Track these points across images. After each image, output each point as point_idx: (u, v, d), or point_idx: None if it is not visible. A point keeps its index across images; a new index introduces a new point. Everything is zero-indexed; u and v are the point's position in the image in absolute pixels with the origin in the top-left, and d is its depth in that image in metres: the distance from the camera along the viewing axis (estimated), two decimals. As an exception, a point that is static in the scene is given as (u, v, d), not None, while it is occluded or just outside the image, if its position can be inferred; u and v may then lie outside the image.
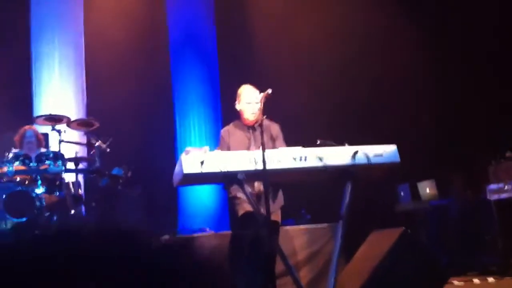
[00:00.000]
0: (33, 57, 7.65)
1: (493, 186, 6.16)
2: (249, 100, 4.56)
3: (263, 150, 4.01)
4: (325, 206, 5.76)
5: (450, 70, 8.14)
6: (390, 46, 8.31)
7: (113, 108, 7.77)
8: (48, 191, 5.62)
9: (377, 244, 4.58)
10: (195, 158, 3.94)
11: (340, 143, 4.31)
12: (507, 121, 6.97)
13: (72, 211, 5.61)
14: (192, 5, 8.82)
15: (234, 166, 4.00)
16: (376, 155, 4.24)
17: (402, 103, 8.05)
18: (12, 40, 7.88)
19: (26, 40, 7.70)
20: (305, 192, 6.48)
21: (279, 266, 4.52)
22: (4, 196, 5.40)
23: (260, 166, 3.97)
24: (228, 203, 4.59)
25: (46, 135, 6.33)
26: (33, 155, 5.68)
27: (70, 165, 5.91)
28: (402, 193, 7.55)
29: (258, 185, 4.38)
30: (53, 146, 6.08)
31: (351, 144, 4.28)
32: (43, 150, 5.90)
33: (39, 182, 5.58)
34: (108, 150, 5.93)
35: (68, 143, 6.09)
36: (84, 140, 6.48)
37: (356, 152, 4.20)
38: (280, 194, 4.58)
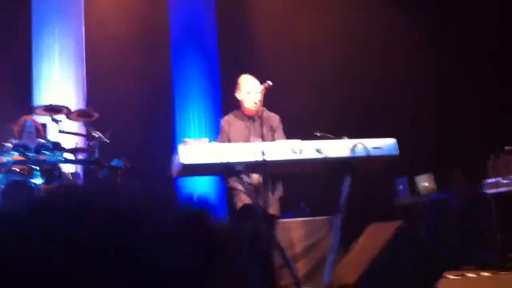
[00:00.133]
0: (33, 49, 7.65)
1: (490, 180, 6.17)
2: (249, 89, 4.56)
3: (263, 141, 4.02)
4: (323, 199, 5.78)
5: (451, 70, 8.14)
6: (391, 46, 8.31)
7: (113, 99, 7.78)
8: (47, 181, 5.61)
9: (375, 237, 4.59)
10: (194, 149, 3.94)
11: (339, 136, 4.32)
12: (507, 121, 6.96)
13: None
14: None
15: (233, 157, 4.00)
16: (375, 148, 4.26)
17: (402, 102, 8.06)
18: (13, 32, 7.88)
19: (26, 32, 7.70)
20: (304, 186, 6.50)
21: (277, 259, 4.52)
22: (3, 187, 5.40)
23: (259, 158, 3.97)
24: (226, 193, 4.58)
25: (45, 126, 6.32)
26: (32, 146, 5.68)
27: (69, 156, 5.91)
28: (400, 187, 7.57)
29: (257, 177, 4.39)
30: (52, 137, 6.08)
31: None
32: (42, 140, 5.90)
33: (38, 172, 5.58)
34: (107, 141, 5.93)
35: (68, 133, 6.09)
36: (83, 131, 6.48)
37: (355, 145, 4.20)
38: (280, 185, 4.58)
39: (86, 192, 0.80)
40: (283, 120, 4.75)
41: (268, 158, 4.00)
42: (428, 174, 7.37)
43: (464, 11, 8.02)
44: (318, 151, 4.12)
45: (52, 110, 6.02)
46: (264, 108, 4.56)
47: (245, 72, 4.76)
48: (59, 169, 5.80)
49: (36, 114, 6.26)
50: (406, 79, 8.28)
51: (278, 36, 8.74)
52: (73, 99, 7.41)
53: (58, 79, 7.51)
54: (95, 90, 7.76)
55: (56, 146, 5.67)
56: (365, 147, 4.22)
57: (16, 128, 6.01)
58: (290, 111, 7.05)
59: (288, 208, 5.86)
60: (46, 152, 5.59)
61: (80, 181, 6.12)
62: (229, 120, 4.66)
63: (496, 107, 7.65)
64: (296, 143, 4.15)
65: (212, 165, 4.00)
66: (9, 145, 5.60)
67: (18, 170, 5.59)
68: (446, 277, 4.94)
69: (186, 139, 4.17)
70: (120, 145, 6.27)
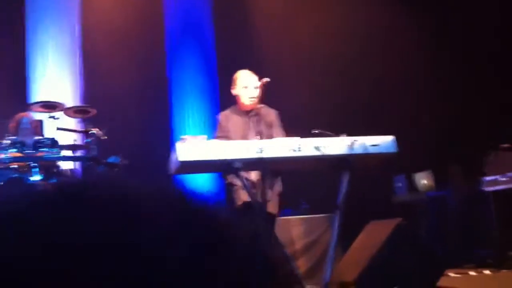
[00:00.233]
0: (28, 45, 7.61)
1: (489, 178, 6.15)
2: (246, 84, 4.53)
3: (261, 139, 4.00)
4: (323, 196, 5.76)
5: (451, 70, 8.13)
6: (391, 46, 8.29)
7: (109, 96, 7.75)
8: (45, 178, 5.59)
9: (375, 234, 4.57)
10: (191, 146, 3.92)
11: (337, 134, 4.30)
12: (507, 121, 6.94)
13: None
14: (190, -7, 8.79)
15: (231, 154, 3.97)
16: (373, 145, 4.24)
17: (402, 101, 8.05)
18: (7, 27, 7.84)
19: (21, 28, 7.66)
20: (303, 183, 6.48)
21: (276, 256, 4.51)
22: (0, 183, 5.37)
23: (257, 155, 3.95)
24: (225, 189, 4.57)
25: (41, 122, 6.29)
26: (29, 142, 5.65)
27: (67, 153, 5.88)
28: (398, 184, 7.55)
29: (256, 173, 4.37)
30: (49, 133, 6.04)
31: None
32: (39, 137, 5.87)
33: (36, 169, 5.55)
34: (105, 137, 5.91)
35: (65, 130, 6.06)
36: (80, 127, 6.45)
37: (353, 142, 4.18)
38: (278, 181, 4.55)
39: (84, 184, 0.77)
40: (282, 118, 4.73)
41: (266, 155, 3.97)
42: (427, 172, 7.36)
43: (464, 11, 8.00)
44: (316, 148, 4.10)
45: (48, 106, 5.99)
46: (263, 105, 4.54)
47: (242, 64, 4.74)
48: (57, 166, 5.77)
49: (32, 111, 6.23)
50: (406, 79, 8.26)
51: (276, 33, 8.71)
52: (70, 95, 7.37)
53: (54, 75, 7.47)
54: (91, 86, 7.72)
55: (54, 143, 5.64)
56: (363, 145, 4.20)
57: (12, 125, 5.98)
58: (289, 109, 7.03)
59: (287, 205, 5.84)
60: (43, 149, 5.56)
61: (79, 178, 6.09)
62: (227, 115, 4.64)
63: (496, 107, 7.63)
64: (294, 141, 4.12)
65: (210, 162, 3.98)
66: (7, 142, 5.57)
67: (15, 167, 5.56)
68: (447, 275, 4.92)
69: (184, 136, 4.14)
70: (117, 141, 6.24)
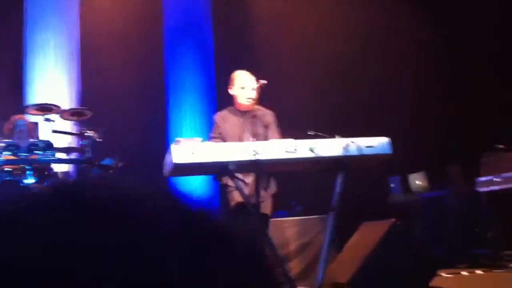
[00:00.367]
0: (27, 46, 7.60)
1: (483, 178, 6.18)
2: (244, 84, 4.54)
3: (255, 140, 4.01)
4: (317, 198, 5.78)
5: (451, 70, 8.15)
6: (391, 46, 8.32)
7: (106, 98, 7.75)
8: (39, 181, 5.58)
9: (368, 235, 4.59)
10: (186, 148, 3.93)
11: (331, 135, 4.32)
12: (507, 121, 6.98)
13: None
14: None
15: (226, 156, 3.99)
16: (368, 147, 4.26)
17: (402, 101, 8.07)
18: (6, 28, 7.82)
19: (20, 28, 7.65)
20: (298, 184, 6.50)
21: (269, 258, 4.52)
22: (-6, 186, 5.37)
23: (251, 157, 3.96)
24: (220, 191, 4.58)
25: (36, 125, 6.29)
26: (23, 145, 5.64)
27: (61, 155, 5.87)
28: (393, 185, 7.58)
29: (250, 175, 4.38)
30: (44, 136, 6.04)
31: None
32: (33, 140, 5.86)
33: (30, 172, 5.54)
34: (100, 140, 5.90)
35: (60, 133, 6.06)
36: (76, 130, 6.45)
37: (348, 144, 4.20)
38: (272, 182, 4.57)
39: (79, 185, 0.79)
40: (279, 119, 4.74)
41: (261, 157, 3.99)
42: (421, 173, 7.39)
43: (464, 11, 8.03)
44: (311, 150, 4.12)
45: (44, 109, 5.98)
46: (260, 107, 4.55)
47: (240, 69, 4.75)
48: (51, 168, 5.76)
49: (28, 113, 6.22)
50: (406, 79, 8.29)
51: (275, 33, 8.72)
52: (66, 97, 7.37)
53: (51, 78, 7.46)
54: (87, 87, 7.72)
55: (48, 146, 5.63)
56: (358, 146, 4.22)
57: (7, 127, 5.97)
58: (288, 109, 7.06)
59: (281, 207, 5.86)
60: (38, 151, 5.55)
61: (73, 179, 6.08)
62: (223, 116, 4.65)
63: (496, 107, 7.66)
64: (289, 142, 4.14)
65: (205, 165, 3.99)
66: (0, 144, 5.56)
67: (9, 169, 5.55)
68: (440, 275, 4.94)
69: (179, 139, 4.15)
70: (113, 143, 6.24)
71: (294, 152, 4.10)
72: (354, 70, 8.26)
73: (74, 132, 6.45)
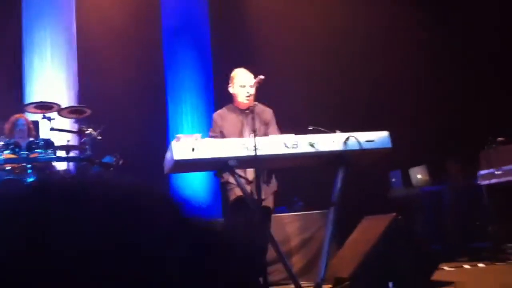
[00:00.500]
0: (24, 45, 7.59)
1: (484, 172, 6.18)
2: (243, 83, 4.54)
3: (255, 136, 4.01)
4: (318, 193, 5.77)
5: (451, 70, 8.15)
6: (391, 46, 8.31)
7: (105, 96, 7.74)
8: (39, 179, 5.57)
9: (369, 230, 4.59)
10: (186, 145, 3.92)
11: (332, 130, 4.31)
12: (507, 120, 6.98)
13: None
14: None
15: (226, 152, 3.98)
16: (367, 141, 4.25)
17: (402, 98, 8.07)
18: (3, 28, 7.81)
19: (17, 27, 7.64)
20: (298, 180, 6.49)
21: (271, 253, 4.52)
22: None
23: (251, 153, 3.96)
24: (220, 188, 4.58)
25: (36, 123, 6.29)
26: (23, 144, 5.64)
27: (61, 153, 5.87)
28: (394, 179, 7.58)
29: (251, 170, 4.38)
30: (44, 134, 6.04)
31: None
32: (33, 138, 5.86)
33: (30, 170, 5.55)
34: (99, 138, 5.90)
35: (59, 131, 6.05)
36: (75, 128, 6.44)
37: (347, 138, 4.20)
38: (273, 180, 4.58)
39: (79, 183, 0.78)
40: (279, 115, 4.74)
41: (261, 152, 3.98)
42: (422, 167, 7.38)
43: (464, 11, 8.02)
44: (311, 145, 4.11)
45: (43, 107, 5.98)
46: (257, 103, 4.55)
47: (238, 67, 4.75)
48: (51, 167, 5.76)
49: (27, 111, 6.22)
50: (406, 79, 8.28)
51: (274, 32, 8.70)
52: (65, 95, 7.36)
53: (49, 76, 7.46)
54: (86, 85, 7.71)
55: (48, 144, 5.63)
56: (358, 141, 4.22)
57: (7, 126, 5.97)
58: (288, 107, 7.07)
59: (282, 202, 5.86)
60: (37, 150, 5.55)
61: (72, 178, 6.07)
62: (221, 114, 4.65)
63: (495, 105, 7.65)
64: (289, 138, 4.14)
65: (205, 161, 3.98)
66: (1, 143, 5.56)
67: (9, 168, 5.56)
68: (441, 269, 4.95)
69: (179, 135, 4.15)
70: (113, 141, 6.24)
71: (295, 148, 4.09)
72: (354, 70, 8.27)
73: (73, 130, 6.45)
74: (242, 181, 4.26)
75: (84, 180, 0.83)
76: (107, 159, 5.80)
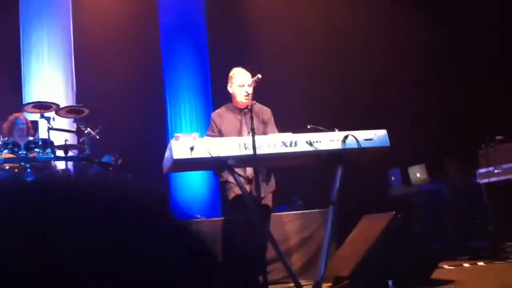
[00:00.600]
0: (22, 45, 7.59)
1: (483, 170, 6.18)
2: (242, 82, 4.55)
3: (253, 135, 4.00)
4: (317, 192, 5.78)
5: (451, 70, 8.15)
6: (391, 46, 8.30)
7: (103, 95, 7.74)
8: (38, 178, 5.56)
9: (369, 228, 4.59)
10: (185, 144, 3.92)
11: (330, 128, 4.31)
12: (506, 120, 6.98)
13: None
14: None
15: (225, 151, 3.98)
16: (366, 140, 4.25)
17: (402, 97, 8.07)
18: (1, 28, 7.80)
19: (15, 28, 7.63)
20: (297, 179, 6.50)
21: (270, 252, 4.52)
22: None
23: (250, 152, 3.96)
24: (219, 187, 4.58)
25: (35, 123, 6.28)
26: (22, 143, 5.64)
27: (60, 153, 5.87)
28: (393, 178, 7.58)
29: (250, 169, 4.38)
30: (42, 134, 6.03)
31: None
32: (32, 138, 5.86)
33: (29, 170, 5.54)
34: (98, 137, 5.90)
35: (58, 130, 6.05)
36: (73, 127, 6.44)
37: (346, 137, 4.20)
38: (272, 179, 4.58)
39: (78, 183, 0.78)
40: (278, 114, 4.74)
41: (260, 151, 3.98)
42: (421, 165, 7.38)
43: (464, 11, 8.02)
44: (309, 144, 4.11)
45: (41, 107, 5.97)
46: (255, 102, 4.55)
47: (236, 66, 4.75)
48: (50, 166, 5.75)
49: (25, 111, 6.22)
50: (406, 79, 8.28)
51: (271, 30, 8.70)
52: (63, 95, 7.36)
53: (48, 75, 7.45)
54: (85, 85, 7.71)
55: (47, 144, 5.63)
56: (356, 139, 4.22)
57: (6, 125, 5.97)
58: (287, 107, 7.07)
59: (281, 201, 5.86)
60: (36, 149, 5.55)
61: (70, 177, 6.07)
62: (220, 113, 4.65)
63: (495, 106, 7.64)
64: (287, 136, 4.14)
65: (204, 160, 3.98)
66: (0, 143, 5.55)
67: (8, 168, 5.55)
68: (441, 267, 4.95)
69: (177, 134, 4.14)
70: (111, 141, 6.23)
71: (293, 146, 4.09)
72: (354, 69, 8.27)
73: (72, 129, 6.44)
74: (242, 180, 4.26)
75: (83, 180, 0.83)
76: (106, 158, 5.80)
